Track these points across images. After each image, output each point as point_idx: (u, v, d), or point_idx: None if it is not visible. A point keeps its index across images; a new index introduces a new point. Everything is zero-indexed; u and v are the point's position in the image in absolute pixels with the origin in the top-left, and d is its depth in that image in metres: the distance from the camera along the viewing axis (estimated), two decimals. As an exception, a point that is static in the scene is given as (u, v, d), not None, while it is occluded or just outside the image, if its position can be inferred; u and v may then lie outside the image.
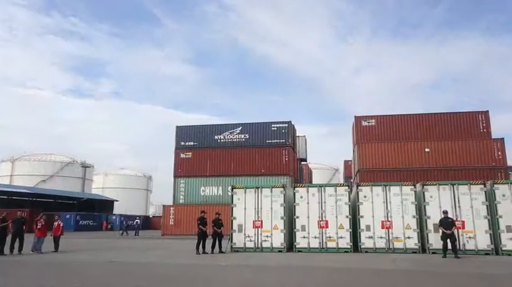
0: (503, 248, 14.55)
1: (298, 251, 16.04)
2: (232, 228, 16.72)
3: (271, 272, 11.13)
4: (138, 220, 37.86)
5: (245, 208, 16.77)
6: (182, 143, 34.50)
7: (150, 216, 68.36)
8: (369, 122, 30.14)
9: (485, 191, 15.30)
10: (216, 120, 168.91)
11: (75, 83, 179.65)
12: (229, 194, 17.93)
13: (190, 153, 33.93)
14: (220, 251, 15.74)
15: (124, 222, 39.77)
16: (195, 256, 14.90)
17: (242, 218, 16.69)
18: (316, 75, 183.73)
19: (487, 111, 29.08)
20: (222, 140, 33.92)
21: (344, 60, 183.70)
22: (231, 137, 33.79)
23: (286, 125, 33.07)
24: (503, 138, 27.93)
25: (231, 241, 16.61)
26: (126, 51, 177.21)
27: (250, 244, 16.44)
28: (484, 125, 28.68)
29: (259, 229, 16.51)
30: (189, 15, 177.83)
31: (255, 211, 16.71)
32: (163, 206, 34.43)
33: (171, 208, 32.61)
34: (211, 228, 15.96)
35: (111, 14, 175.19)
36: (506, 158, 27.57)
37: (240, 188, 17.43)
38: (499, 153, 27.47)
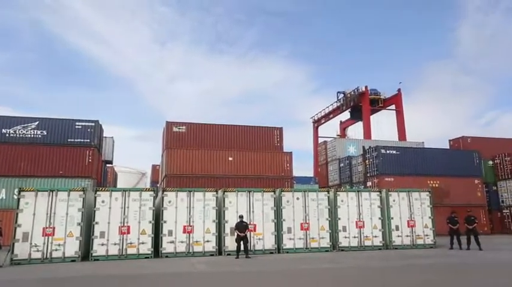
0: (284, 247, 16.98)
1: (95, 259, 14.98)
2: (15, 237, 14.45)
3: (57, 285, 10.06)
4: None
5: (34, 214, 14.75)
6: (-45, 135, 28.11)
7: None
8: (179, 129, 30.71)
9: (274, 198, 17.50)
10: (7, 112, 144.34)
11: None
12: (16, 197, 15.52)
13: (-35, 147, 27.94)
14: (-4, 265, 13.41)
15: None
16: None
17: (29, 225, 14.60)
18: (132, 76, 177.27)
19: (281, 127, 33.58)
20: (11, 135, 28.95)
21: (162, 66, 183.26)
22: (24, 132, 29.31)
23: (93, 124, 30.54)
24: (291, 152, 32.70)
25: (12, 253, 14.29)
26: None
27: (37, 255, 14.48)
28: (278, 139, 32.93)
29: (50, 237, 14.75)
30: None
31: (47, 216, 14.87)
32: None
33: None
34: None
35: None
36: (292, 169, 32.27)
37: (30, 191, 15.25)
38: (288, 165, 31.91)
